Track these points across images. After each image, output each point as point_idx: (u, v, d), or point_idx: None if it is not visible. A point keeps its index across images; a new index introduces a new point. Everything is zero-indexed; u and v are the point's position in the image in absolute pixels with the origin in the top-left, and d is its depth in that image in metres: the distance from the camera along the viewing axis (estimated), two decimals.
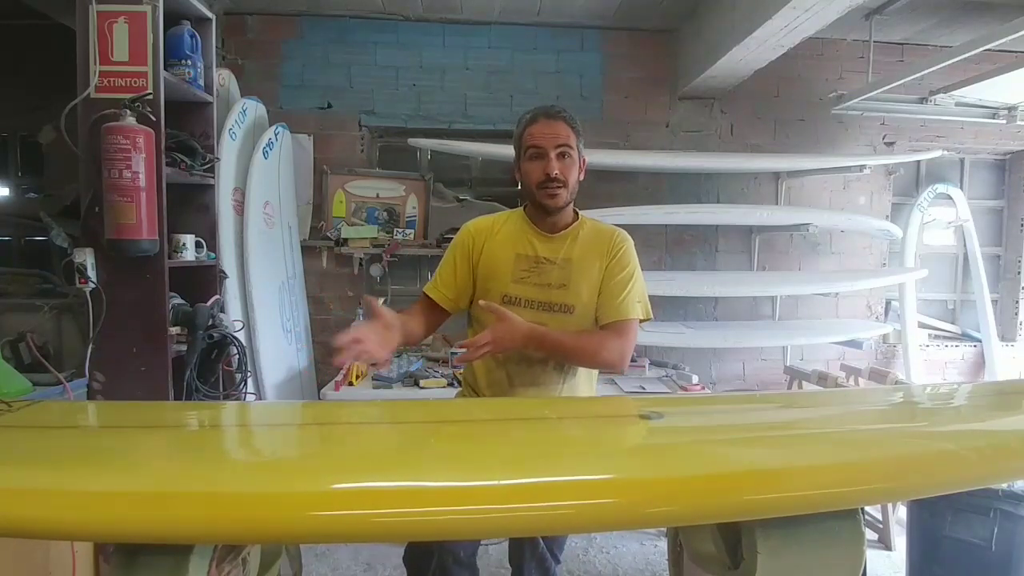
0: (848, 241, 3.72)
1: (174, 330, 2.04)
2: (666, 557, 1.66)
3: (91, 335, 1.90)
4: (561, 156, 1.45)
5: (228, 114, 2.78)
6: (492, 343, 1.36)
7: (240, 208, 2.79)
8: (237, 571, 0.98)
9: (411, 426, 1.26)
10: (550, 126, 1.46)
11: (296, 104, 3.37)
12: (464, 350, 1.41)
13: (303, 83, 3.38)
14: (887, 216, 3.70)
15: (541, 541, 1.70)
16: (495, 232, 1.54)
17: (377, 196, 3.42)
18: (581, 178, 1.54)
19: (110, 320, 1.91)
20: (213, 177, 2.36)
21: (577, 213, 1.58)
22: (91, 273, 1.89)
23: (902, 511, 2.44)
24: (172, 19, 2.06)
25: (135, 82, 1.90)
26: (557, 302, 1.49)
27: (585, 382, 1.59)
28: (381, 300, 3.85)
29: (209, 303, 2.19)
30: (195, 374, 2.07)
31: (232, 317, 2.53)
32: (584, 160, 1.55)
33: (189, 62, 2.14)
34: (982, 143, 3.79)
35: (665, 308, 3.54)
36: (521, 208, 1.59)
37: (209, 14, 2.29)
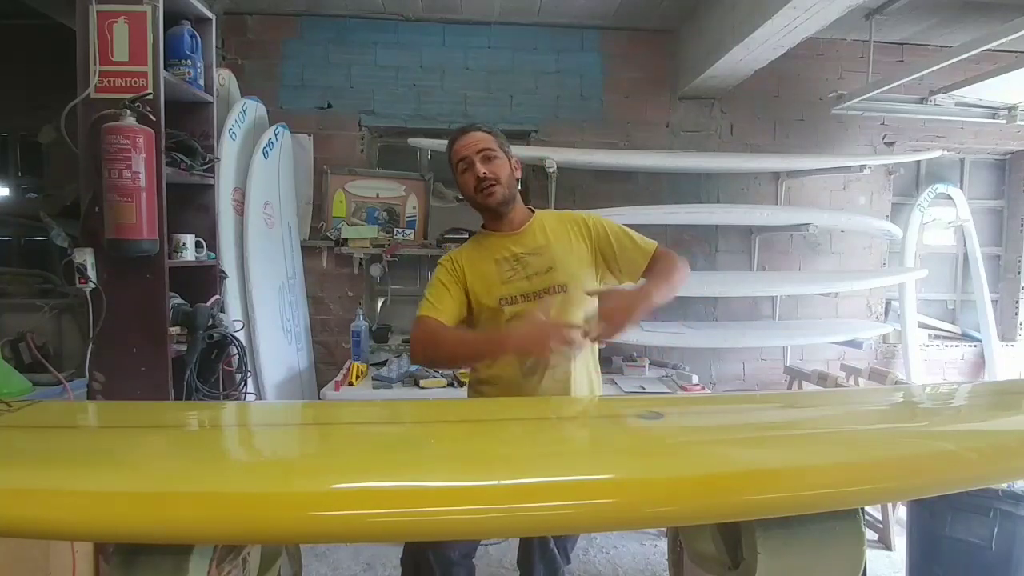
0: (848, 241, 3.71)
1: (174, 330, 2.04)
2: (666, 557, 1.66)
3: (91, 335, 1.90)
4: (486, 159, 1.54)
5: (228, 114, 2.77)
6: (619, 315, 1.37)
7: (240, 208, 2.79)
8: (237, 571, 0.98)
9: (411, 426, 1.26)
10: (467, 137, 1.56)
11: (296, 104, 3.37)
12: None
13: (303, 83, 3.38)
14: (887, 216, 3.70)
15: (551, 540, 1.71)
16: (468, 255, 1.59)
17: (377, 196, 3.42)
18: (518, 176, 1.62)
19: (110, 320, 1.91)
20: (213, 177, 2.36)
21: (532, 209, 1.66)
22: (91, 273, 1.89)
23: (902, 511, 2.45)
24: (172, 19, 2.06)
25: (135, 82, 1.90)
26: (549, 285, 1.54)
27: (583, 363, 1.62)
28: (381, 300, 3.80)
29: (209, 303, 2.19)
30: (195, 374, 2.07)
31: (232, 317, 2.52)
32: (518, 161, 1.62)
33: (189, 62, 2.14)
34: (982, 143, 3.79)
35: (665, 308, 3.52)
36: (480, 229, 1.66)
37: (209, 14, 2.29)
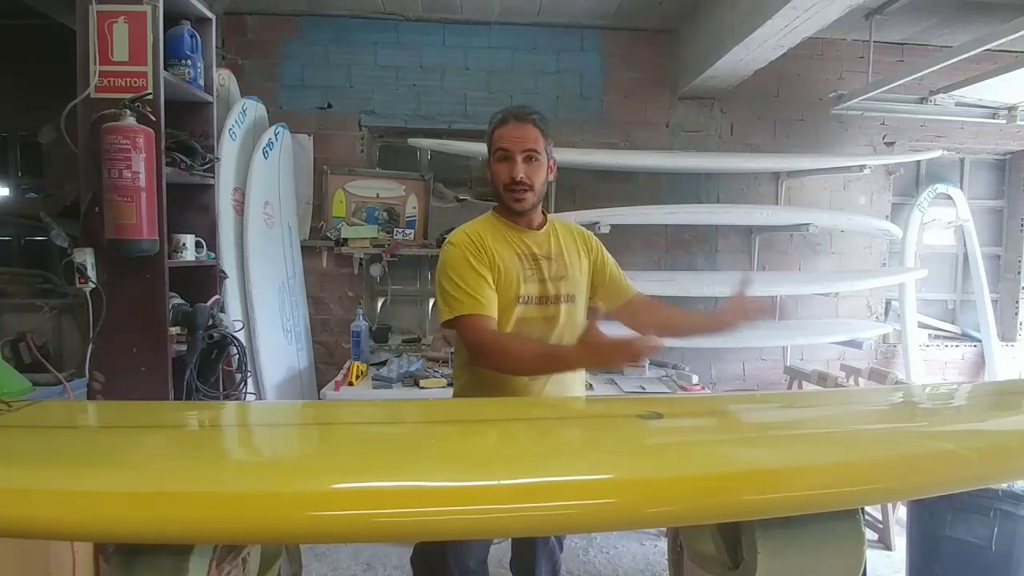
0: (848, 241, 3.71)
1: (174, 330, 2.04)
2: (666, 557, 1.66)
3: (91, 335, 1.90)
4: (528, 160, 1.48)
5: (228, 114, 2.77)
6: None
7: (240, 208, 2.79)
8: (237, 571, 0.98)
9: (411, 426, 1.26)
10: (519, 128, 1.48)
11: (296, 104, 3.37)
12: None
13: (303, 83, 3.38)
14: (887, 216, 3.70)
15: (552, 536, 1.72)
16: (487, 236, 1.50)
17: (377, 196, 3.42)
18: (551, 179, 1.58)
19: (110, 320, 1.91)
20: (213, 177, 2.36)
21: (545, 213, 1.62)
22: (91, 273, 1.89)
23: (902, 511, 2.45)
24: (172, 19, 2.06)
25: (135, 82, 1.90)
26: (563, 293, 1.53)
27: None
28: (381, 300, 3.79)
29: (209, 303, 2.19)
30: (195, 374, 2.07)
31: (232, 317, 2.52)
32: (554, 162, 1.57)
33: (189, 62, 2.14)
34: (982, 143, 3.79)
35: None
36: (490, 212, 1.60)
37: (209, 14, 2.29)
